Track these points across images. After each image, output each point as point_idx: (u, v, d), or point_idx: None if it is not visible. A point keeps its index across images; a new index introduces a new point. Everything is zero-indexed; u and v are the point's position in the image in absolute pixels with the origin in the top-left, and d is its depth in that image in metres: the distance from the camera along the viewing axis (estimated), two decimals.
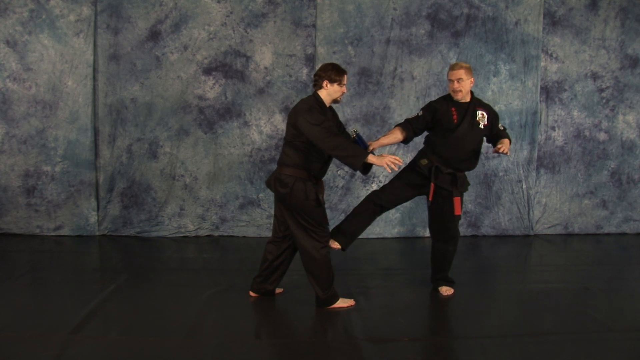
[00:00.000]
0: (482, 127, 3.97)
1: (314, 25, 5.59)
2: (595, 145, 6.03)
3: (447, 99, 4.03)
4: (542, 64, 5.85)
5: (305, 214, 3.65)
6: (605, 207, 6.14)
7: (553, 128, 5.97)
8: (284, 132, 3.79)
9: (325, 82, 3.65)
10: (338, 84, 3.66)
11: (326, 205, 5.74)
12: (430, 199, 3.98)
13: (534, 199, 6.01)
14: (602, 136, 6.03)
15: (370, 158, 3.53)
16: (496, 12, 5.71)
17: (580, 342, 3.35)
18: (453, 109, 3.97)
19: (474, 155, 4.04)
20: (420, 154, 4.11)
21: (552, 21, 5.83)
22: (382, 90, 5.69)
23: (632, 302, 4.10)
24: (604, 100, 5.99)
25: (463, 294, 4.19)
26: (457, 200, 3.98)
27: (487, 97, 5.77)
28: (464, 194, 4.20)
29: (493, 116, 4.04)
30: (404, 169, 4.16)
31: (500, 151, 3.81)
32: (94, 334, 3.33)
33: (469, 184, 4.17)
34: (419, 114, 4.06)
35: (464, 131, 3.92)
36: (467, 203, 5.88)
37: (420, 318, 3.84)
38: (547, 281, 4.55)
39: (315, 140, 3.50)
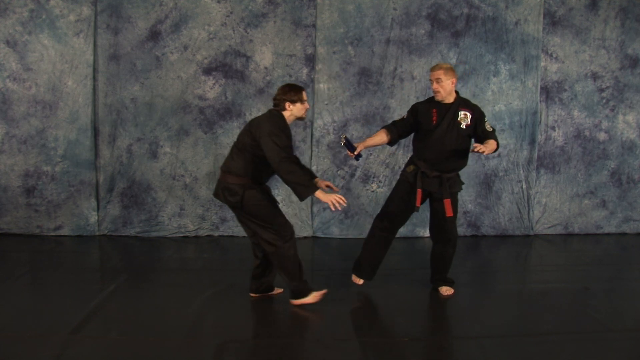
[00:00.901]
0: (464, 127, 3.96)
1: (314, 25, 5.59)
2: (595, 145, 6.03)
3: (431, 101, 4.06)
4: (542, 64, 5.85)
5: (261, 216, 3.68)
6: (605, 207, 6.14)
7: (553, 128, 5.97)
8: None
9: (287, 104, 3.71)
10: (300, 103, 3.72)
11: (326, 205, 5.77)
12: (417, 204, 3.99)
13: (534, 199, 6.01)
14: (602, 136, 6.03)
15: (318, 193, 3.55)
16: (496, 12, 5.71)
17: (580, 342, 3.35)
18: (434, 110, 3.99)
19: (458, 155, 4.01)
20: (408, 161, 4.16)
21: (552, 21, 5.83)
22: (382, 90, 5.69)
23: (632, 302, 4.11)
24: (604, 100, 5.99)
25: (463, 294, 4.19)
26: (447, 202, 3.97)
27: (487, 97, 5.77)
28: (460, 193, 4.21)
29: (478, 116, 4.00)
30: (397, 182, 4.22)
31: (476, 150, 3.72)
32: (94, 334, 3.33)
33: (462, 184, 4.16)
34: (404, 116, 4.11)
35: (443, 131, 3.93)
36: (467, 203, 5.88)
37: (420, 318, 3.84)
38: (547, 281, 4.55)
39: (273, 161, 3.53)
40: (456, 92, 4.03)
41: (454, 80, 3.95)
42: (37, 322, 3.48)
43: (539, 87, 5.86)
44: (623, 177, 6.11)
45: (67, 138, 5.52)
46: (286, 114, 3.73)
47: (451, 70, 3.95)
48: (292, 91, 3.72)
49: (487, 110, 5.78)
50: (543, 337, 3.41)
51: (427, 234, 5.86)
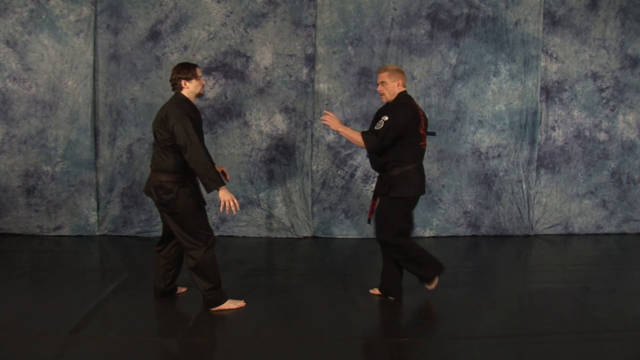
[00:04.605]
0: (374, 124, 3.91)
1: (314, 25, 5.59)
2: (596, 145, 6.03)
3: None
4: (542, 64, 5.85)
5: (189, 217, 3.66)
6: (605, 207, 6.14)
7: (553, 128, 5.97)
8: (155, 137, 3.68)
9: (182, 82, 3.70)
10: (195, 79, 3.71)
11: (326, 205, 5.78)
12: (370, 211, 4.05)
13: (534, 199, 6.01)
14: (602, 136, 6.03)
15: (221, 190, 3.56)
16: (496, 12, 5.71)
17: (580, 342, 3.35)
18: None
19: (376, 154, 3.87)
20: None
21: (552, 21, 5.83)
22: None
23: (632, 302, 4.10)
24: (604, 100, 5.99)
25: (463, 294, 4.19)
26: (373, 203, 4.02)
27: (487, 97, 5.78)
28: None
29: (385, 112, 3.83)
30: None
31: (322, 118, 3.80)
32: (94, 334, 3.33)
33: (412, 193, 3.86)
34: None
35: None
36: (467, 203, 5.88)
37: (420, 318, 3.84)
38: (547, 281, 4.55)
39: (184, 148, 3.52)
40: (401, 94, 3.85)
41: (399, 82, 3.85)
42: (37, 322, 3.48)
43: (539, 87, 5.86)
44: (623, 177, 6.11)
45: (67, 138, 5.52)
46: (185, 92, 3.72)
47: (398, 72, 3.86)
48: (184, 69, 3.70)
49: (487, 110, 5.81)
50: (543, 337, 3.41)
51: (426, 234, 5.88)
